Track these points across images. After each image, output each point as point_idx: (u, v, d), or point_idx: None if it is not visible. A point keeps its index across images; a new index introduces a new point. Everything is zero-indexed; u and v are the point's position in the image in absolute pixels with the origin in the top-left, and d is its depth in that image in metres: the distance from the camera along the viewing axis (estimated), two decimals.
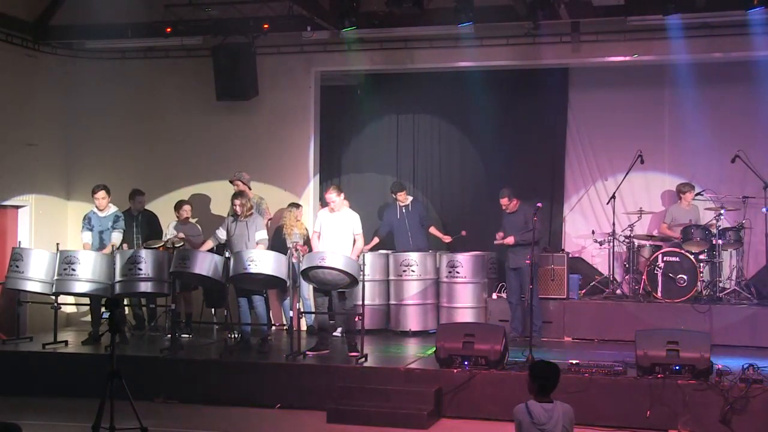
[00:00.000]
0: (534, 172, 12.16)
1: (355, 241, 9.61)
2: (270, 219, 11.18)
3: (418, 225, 11.63)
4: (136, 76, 12.41)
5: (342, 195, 9.74)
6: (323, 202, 12.42)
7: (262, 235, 9.79)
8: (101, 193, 10.44)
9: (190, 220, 11.31)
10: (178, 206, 11.10)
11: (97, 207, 10.48)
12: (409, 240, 11.53)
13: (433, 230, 11.78)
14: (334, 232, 9.59)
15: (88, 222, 10.52)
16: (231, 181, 11.02)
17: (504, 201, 10.50)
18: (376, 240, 11.74)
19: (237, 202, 9.78)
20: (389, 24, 10.95)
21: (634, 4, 10.31)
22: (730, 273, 11.09)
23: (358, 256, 9.39)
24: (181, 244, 10.59)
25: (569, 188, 12.41)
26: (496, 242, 10.61)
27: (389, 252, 11.45)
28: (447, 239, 11.69)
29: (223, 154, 12.08)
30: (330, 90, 12.52)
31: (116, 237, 10.46)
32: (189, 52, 12.18)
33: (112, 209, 10.57)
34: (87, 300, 10.62)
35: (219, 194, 12.02)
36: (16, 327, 10.56)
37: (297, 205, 11.26)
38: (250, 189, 10.98)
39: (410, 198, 11.78)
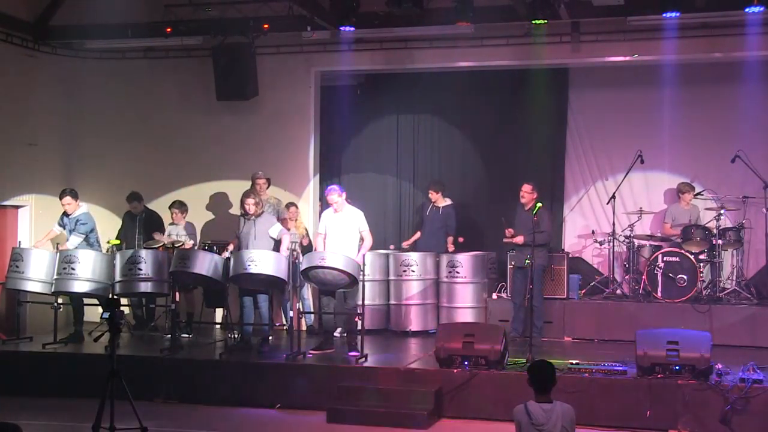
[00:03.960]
0: (534, 172, 12.12)
1: (362, 239, 9.60)
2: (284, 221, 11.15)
3: (439, 229, 11.63)
4: (136, 76, 12.41)
5: (344, 195, 9.72)
6: (323, 202, 12.51)
7: (277, 230, 9.72)
8: (66, 199, 10.47)
9: (190, 220, 11.30)
10: (169, 209, 11.14)
11: (66, 212, 10.53)
12: (427, 240, 11.61)
13: (450, 239, 11.72)
14: (340, 232, 9.58)
15: (61, 219, 10.63)
16: (254, 179, 10.97)
17: (527, 188, 10.32)
18: (418, 234, 11.82)
19: (249, 201, 9.70)
20: (389, 24, 10.95)
21: (634, 4, 10.30)
22: (730, 273, 11.09)
23: (364, 255, 9.35)
24: (181, 243, 10.60)
25: (569, 188, 12.41)
26: (505, 240, 10.52)
27: (389, 252, 11.45)
28: (451, 248, 11.64)
29: (223, 154, 12.09)
30: (330, 90, 12.52)
31: (73, 240, 10.39)
32: (189, 52, 12.18)
33: (79, 211, 10.55)
34: (86, 300, 10.60)
35: (219, 194, 12.03)
36: (16, 327, 10.57)
37: (291, 204, 11.24)
38: (268, 187, 11.07)
39: (446, 201, 11.72)
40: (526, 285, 10.24)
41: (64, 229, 10.58)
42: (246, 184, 10.91)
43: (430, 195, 11.76)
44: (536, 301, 10.00)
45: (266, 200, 10.93)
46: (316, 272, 9.12)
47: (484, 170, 12.60)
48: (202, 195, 12.13)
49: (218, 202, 12.07)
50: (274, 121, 12.00)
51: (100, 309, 10.29)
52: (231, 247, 9.81)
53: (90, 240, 10.51)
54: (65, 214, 10.60)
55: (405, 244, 11.84)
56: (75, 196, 10.55)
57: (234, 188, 11.30)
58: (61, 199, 10.54)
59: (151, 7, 11.34)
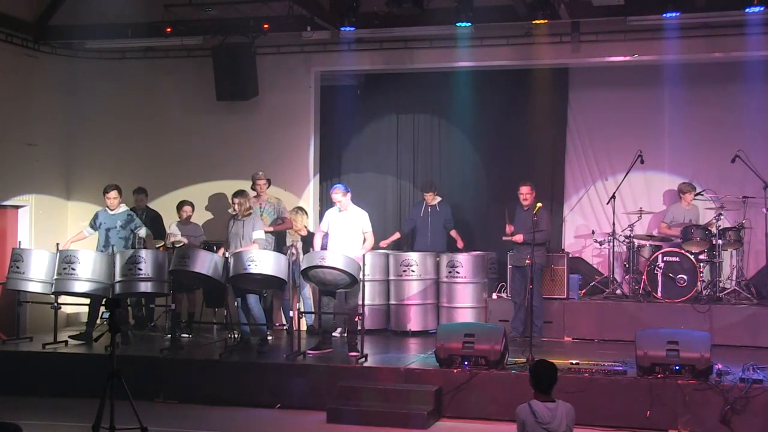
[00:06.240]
0: (534, 172, 12.12)
1: (365, 239, 9.61)
2: (286, 219, 11.14)
3: (440, 226, 11.66)
4: (136, 76, 12.42)
5: (348, 194, 9.70)
6: (323, 202, 12.51)
7: (260, 234, 9.76)
8: (113, 193, 10.49)
9: (192, 220, 11.30)
10: (180, 206, 11.13)
11: (108, 207, 10.51)
12: (428, 240, 11.60)
13: (453, 233, 11.76)
14: (343, 231, 9.57)
15: (94, 219, 10.56)
16: (254, 179, 10.96)
17: (526, 189, 10.36)
18: (397, 235, 11.84)
19: (236, 200, 9.74)
20: (389, 24, 10.96)
21: (634, 4, 10.31)
22: (730, 273, 11.09)
23: (364, 255, 9.37)
24: (182, 244, 10.59)
25: (569, 188, 12.41)
26: (504, 238, 10.53)
27: (389, 252, 11.45)
28: (460, 244, 11.65)
29: (222, 154, 12.10)
30: (330, 90, 12.52)
31: (143, 232, 10.63)
32: (189, 52, 12.19)
33: (123, 208, 10.60)
34: (87, 300, 10.60)
35: (218, 194, 12.03)
36: (16, 327, 10.56)
37: (305, 211, 11.23)
38: (268, 188, 11.06)
39: (438, 199, 11.77)
40: (524, 284, 10.26)
41: (97, 229, 10.51)
42: (246, 184, 10.91)
43: (427, 197, 11.73)
44: (535, 301, 10.00)
45: (266, 200, 10.95)
46: (316, 272, 9.12)
47: (484, 170, 12.59)
48: (202, 195, 12.12)
49: (218, 202, 12.07)
50: (274, 121, 12.01)
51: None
52: (221, 252, 9.83)
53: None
54: (97, 214, 10.56)
55: (383, 244, 11.76)
56: (121, 192, 10.59)
57: (234, 188, 11.26)
58: (107, 192, 10.48)
59: (151, 7, 11.33)
